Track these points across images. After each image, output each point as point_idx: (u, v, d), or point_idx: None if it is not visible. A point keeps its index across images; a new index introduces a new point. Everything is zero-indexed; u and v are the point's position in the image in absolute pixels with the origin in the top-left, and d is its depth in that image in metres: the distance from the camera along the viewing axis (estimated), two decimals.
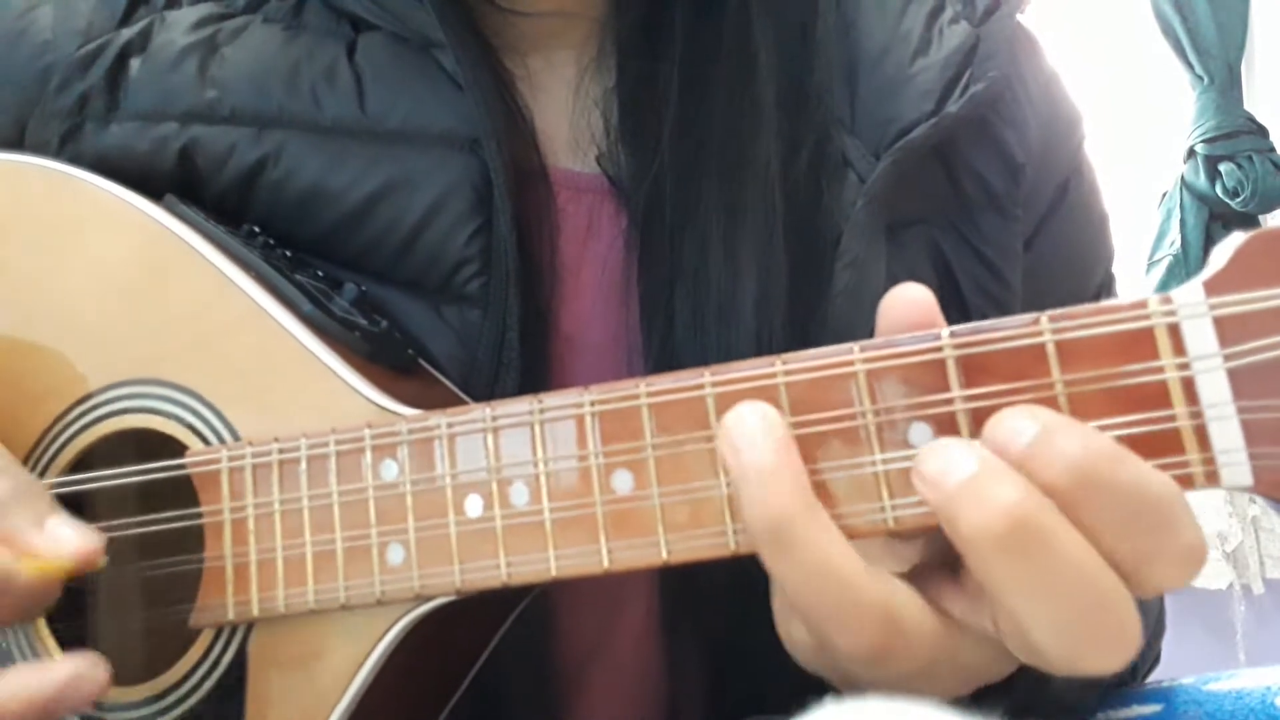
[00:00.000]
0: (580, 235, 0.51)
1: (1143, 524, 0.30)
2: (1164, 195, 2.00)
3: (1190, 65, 1.94)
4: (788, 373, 0.34)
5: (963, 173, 0.51)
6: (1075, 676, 0.31)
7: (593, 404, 0.36)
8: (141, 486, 0.42)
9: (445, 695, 0.43)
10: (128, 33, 0.51)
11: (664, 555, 0.34)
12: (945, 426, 0.32)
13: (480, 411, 0.37)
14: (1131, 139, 2.02)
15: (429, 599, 0.38)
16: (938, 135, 0.49)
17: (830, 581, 0.31)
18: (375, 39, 0.50)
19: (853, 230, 0.48)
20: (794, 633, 0.36)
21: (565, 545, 0.35)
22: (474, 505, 0.37)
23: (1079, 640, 0.30)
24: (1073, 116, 0.56)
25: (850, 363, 0.33)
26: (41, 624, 0.43)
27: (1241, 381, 0.30)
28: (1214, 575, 1.85)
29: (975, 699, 0.36)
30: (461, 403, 0.45)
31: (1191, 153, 1.94)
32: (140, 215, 0.45)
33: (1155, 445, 0.31)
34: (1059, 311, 0.32)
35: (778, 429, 0.32)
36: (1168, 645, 0.59)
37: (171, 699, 0.41)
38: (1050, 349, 0.31)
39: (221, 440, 0.41)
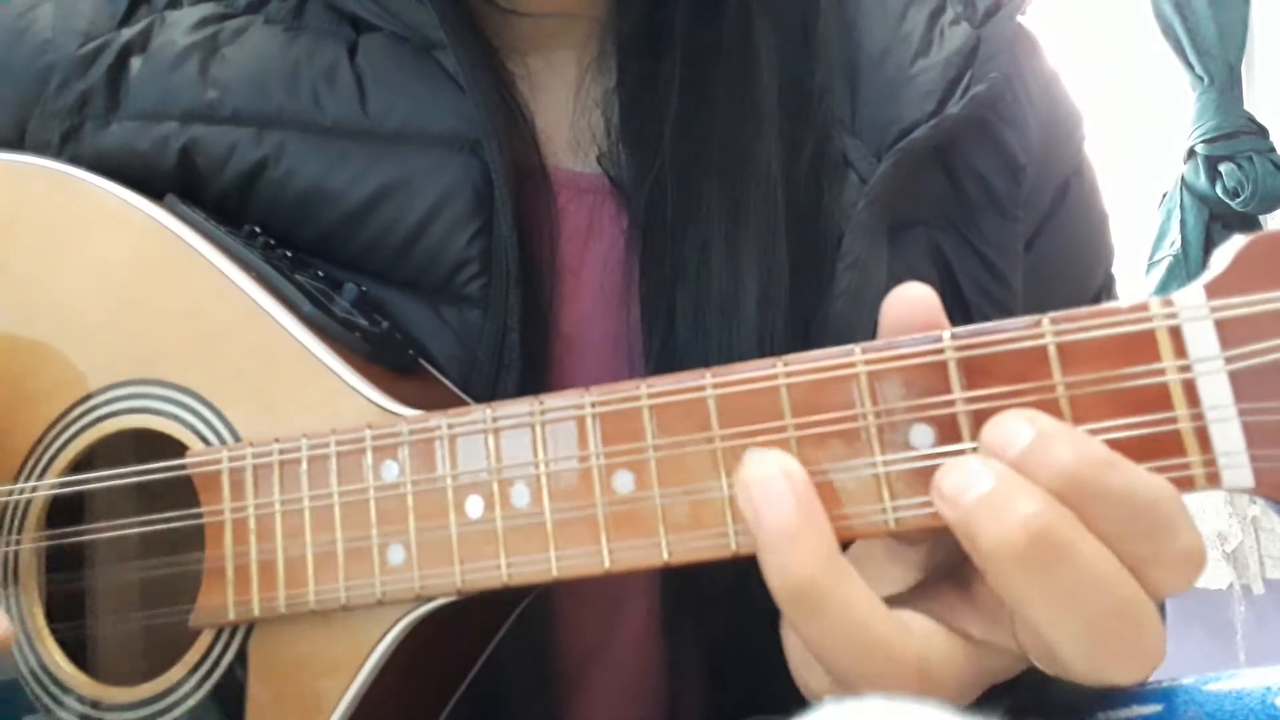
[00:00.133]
0: (581, 235, 0.51)
1: (1139, 529, 0.29)
2: (1164, 195, 2.00)
3: (1190, 65, 1.94)
4: (789, 374, 0.34)
5: (964, 173, 0.51)
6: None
7: (593, 405, 0.36)
8: (142, 487, 0.42)
9: (445, 695, 0.43)
10: (128, 32, 0.51)
11: (665, 556, 0.34)
12: (946, 428, 0.32)
13: (481, 412, 0.37)
14: (1131, 139, 2.01)
15: (430, 599, 0.38)
16: (939, 136, 0.49)
17: (864, 642, 0.31)
18: (376, 40, 0.50)
19: (854, 231, 0.48)
20: (812, 682, 0.35)
21: (566, 546, 0.35)
22: (475, 506, 0.37)
23: (1105, 651, 0.30)
24: (1073, 117, 0.56)
25: (851, 364, 0.33)
26: (42, 625, 0.43)
27: (1243, 384, 0.30)
28: (1214, 575, 1.85)
29: (976, 698, 0.36)
30: (462, 403, 0.45)
31: (1191, 153, 1.94)
32: (141, 215, 0.45)
33: (1156, 447, 0.31)
34: (1060, 314, 0.32)
35: (800, 484, 0.32)
36: (1168, 645, 0.59)
37: (171, 699, 0.41)
38: (1052, 351, 0.31)
39: (222, 441, 0.41)
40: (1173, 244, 1.94)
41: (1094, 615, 0.29)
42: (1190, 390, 0.30)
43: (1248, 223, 1.88)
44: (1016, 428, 0.30)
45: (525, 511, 0.36)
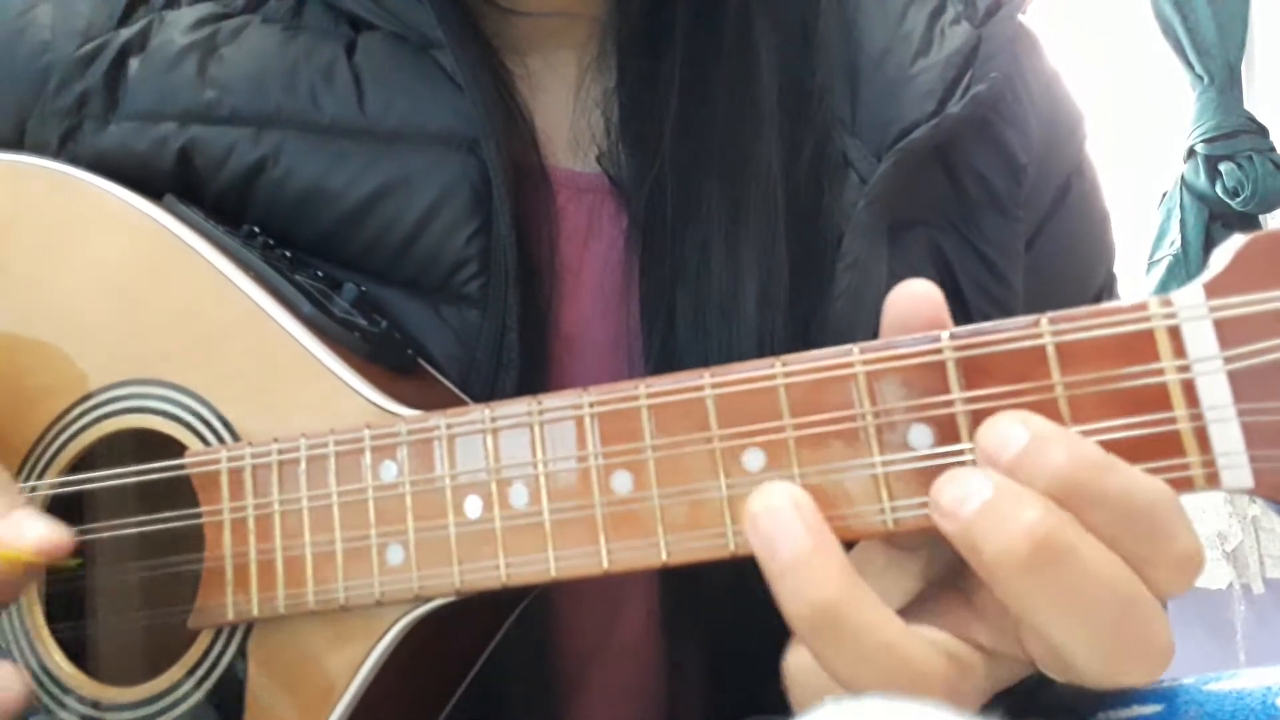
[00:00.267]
0: (581, 235, 0.51)
1: (1137, 531, 0.29)
2: (1164, 195, 2.00)
3: (1190, 65, 1.94)
4: (787, 374, 0.34)
5: (964, 173, 0.51)
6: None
7: (592, 405, 0.36)
8: (141, 486, 0.42)
9: (445, 696, 0.43)
10: (127, 32, 0.51)
11: (663, 556, 0.34)
12: (945, 428, 0.32)
13: (479, 412, 0.37)
14: (1131, 139, 2.01)
15: (428, 600, 0.37)
16: (939, 136, 0.49)
17: (889, 662, 0.30)
18: (374, 39, 0.50)
19: (854, 231, 0.48)
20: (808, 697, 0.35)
21: (565, 546, 0.35)
22: (473, 506, 0.37)
23: (1117, 652, 0.30)
24: (1074, 116, 0.56)
25: (850, 364, 0.33)
26: (42, 625, 0.43)
27: (1242, 384, 0.30)
28: (1214, 575, 1.85)
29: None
30: (461, 403, 0.45)
31: (1191, 153, 1.94)
32: (140, 215, 0.45)
33: (1155, 447, 0.31)
34: (1059, 313, 0.31)
35: (808, 511, 0.31)
36: None
37: (171, 699, 0.41)
38: (1050, 351, 0.31)
39: (221, 441, 0.41)
40: (1173, 243, 1.94)
41: (1102, 617, 0.29)
42: (1189, 390, 0.30)
43: (1247, 222, 1.88)
44: (1011, 430, 0.30)
45: (524, 512, 0.36)
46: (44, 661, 0.43)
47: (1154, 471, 0.30)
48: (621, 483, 0.35)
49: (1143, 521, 0.29)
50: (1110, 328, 0.31)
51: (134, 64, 0.50)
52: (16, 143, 0.51)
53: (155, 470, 0.42)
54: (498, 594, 0.37)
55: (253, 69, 0.49)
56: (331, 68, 0.49)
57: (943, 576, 0.35)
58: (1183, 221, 1.93)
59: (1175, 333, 0.31)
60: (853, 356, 0.33)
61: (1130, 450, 0.30)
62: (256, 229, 0.47)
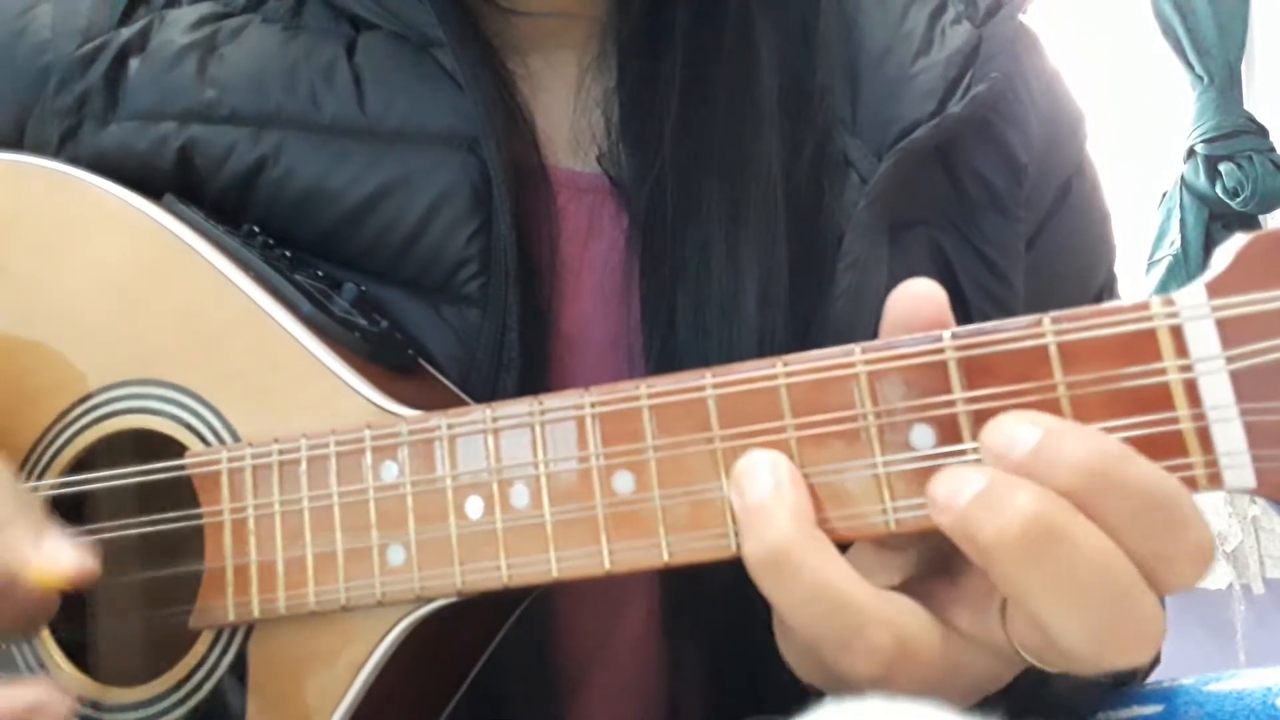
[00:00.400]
0: (581, 235, 0.51)
1: (1154, 522, 0.30)
2: (1164, 195, 2.00)
3: (1190, 65, 1.94)
4: (789, 374, 0.33)
5: (965, 173, 0.51)
6: (1083, 675, 0.31)
7: (593, 405, 0.35)
8: (141, 487, 0.42)
9: (446, 696, 0.43)
10: (127, 32, 0.51)
11: (665, 557, 0.34)
12: (947, 428, 0.32)
13: (481, 413, 0.37)
14: (1131, 139, 2.01)
15: (430, 600, 0.37)
16: (940, 135, 0.49)
17: (834, 607, 0.31)
18: (375, 38, 0.50)
19: (854, 231, 0.48)
20: (793, 656, 0.36)
21: (566, 547, 0.35)
22: (474, 506, 0.36)
23: (1107, 636, 0.30)
24: (1075, 116, 0.56)
25: (852, 364, 0.33)
26: (44, 629, 0.43)
27: (1244, 383, 0.30)
28: (1214, 575, 1.86)
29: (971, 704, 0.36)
30: (462, 403, 0.45)
31: (1191, 153, 1.95)
32: (139, 215, 0.45)
33: (1158, 447, 0.31)
34: (1061, 313, 0.31)
35: (782, 468, 0.33)
36: (1168, 645, 0.58)
37: (172, 700, 0.41)
38: (1053, 350, 0.31)
39: (221, 441, 0.41)
40: (1172, 243, 1.95)
41: (1094, 600, 0.29)
42: (1192, 390, 0.30)
43: (1247, 222, 1.89)
44: (1019, 431, 0.30)
45: (525, 512, 0.36)
46: (44, 662, 0.43)
47: None
48: (623, 483, 0.35)
49: (1160, 512, 0.30)
50: (1112, 327, 0.31)
51: (134, 63, 0.50)
52: (16, 142, 0.50)
53: (155, 471, 0.42)
54: (499, 594, 0.37)
55: (253, 68, 0.49)
56: (332, 67, 0.49)
57: (928, 566, 0.35)
58: (1183, 221, 1.93)
59: (1177, 332, 0.30)
60: (854, 356, 0.33)
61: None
62: (256, 229, 0.47)
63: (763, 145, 0.49)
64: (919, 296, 0.34)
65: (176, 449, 0.42)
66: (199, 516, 0.40)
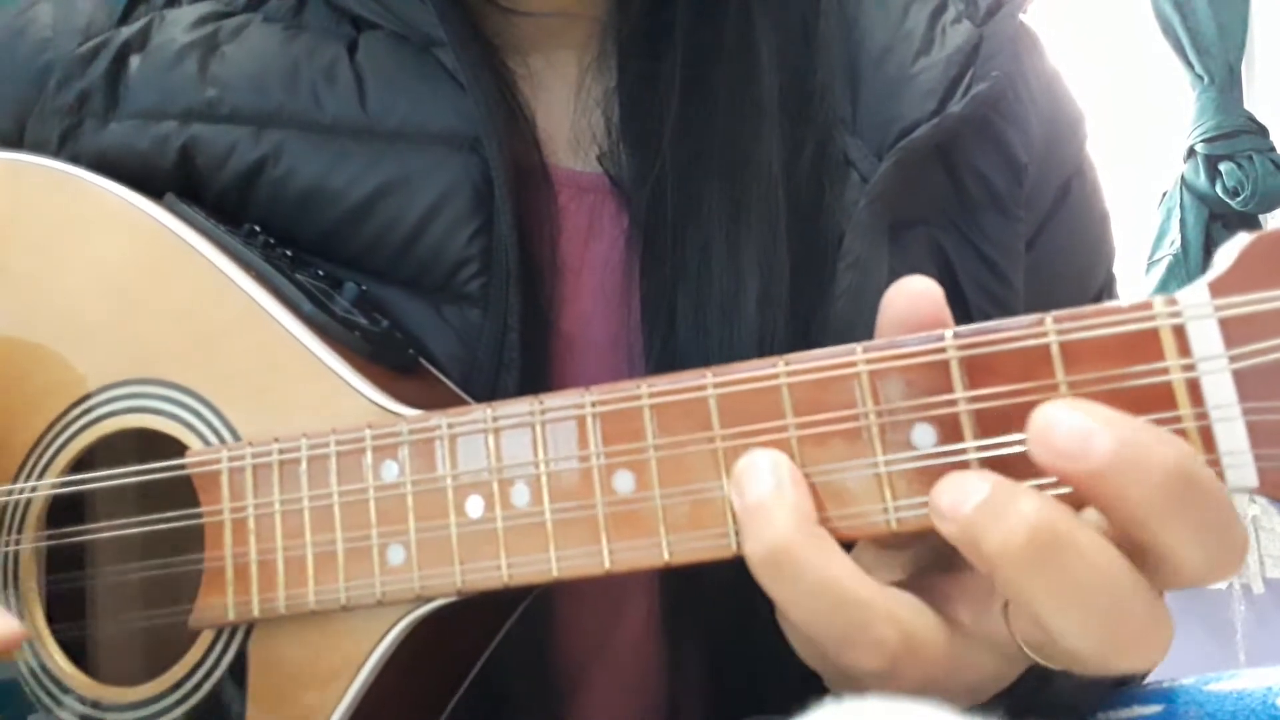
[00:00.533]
0: (582, 235, 0.51)
1: (1182, 503, 0.29)
2: (1164, 195, 2.00)
3: (1190, 65, 1.94)
4: (790, 373, 0.33)
5: (965, 172, 0.51)
6: (1087, 675, 0.31)
7: (594, 404, 0.35)
8: (141, 486, 0.42)
9: (446, 695, 0.43)
10: (127, 31, 0.51)
11: (665, 556, 0.34)
12: (949, 428, 0.32)
13: (481, 412, 0.37)
14: (1131, 139, 2.01)
15: (430, 600, 0.37)
16: (940, 135, 0.49)
17: (837, 603, 0.31)
18: (376, 38, 0.50)
19: (855, 230, 0.48)
20: (798, 646, 0.36)
21: (566, 546, 0.35)
22: (475, 506, 0.36)
23: (1113, 640, 0.30)
24: (1075, 116, 0.56)
25: (853, 363, 0.33)
26: (42, 625, 0.43)
27: (1247, 383, 0.30)
28: None
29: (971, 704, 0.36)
30: (462, 403, 0.45)
31: (1191, 152, 1.94)
32: (140, 215, 0.45)
33: None
34: (1063, 312, 0.31)
35: (783, 467, 0.33)
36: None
37: (172, 699, 0.41)
38: (1055, 350, 0.31)
39: (222, 440, 0.41)
40: (1173, 243, 1.95)
41: (1100, 605, 0.29)
42: (1194, 389, 0.30)
43: (1248, 222, 1.88)
44: (1094, 438, 0.29)
45: (525, 511, 0.36)
46: (43, 661, 0.43)
47: None
48: (623, 482, 0.35)
49: (1191, 492, 0.29)
50: (1115, 327, 0.31)
51: (135, 62, 0.50)
52: (16, 141, 0.50)
53: (156, 470, 0.42)
54: (499, 594, 0.36)
55: (254, 68, 0.49)
56: (333, 67, 0.49)
57: (930, 564, 0.35)
58: (1183, 221, 1.93)
59: (1180, 331, 0.30)
60: (856, 356, 0.33)
61: None
62: (257, 228, 0.47)
63: (763, 145, 0.49)
64: (916, 294, 0.34)
65: (177, 448, 0.42)
66: (199, 516, 0.40)
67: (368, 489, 0.38)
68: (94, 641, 0.45)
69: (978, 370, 0.32)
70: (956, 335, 0.32)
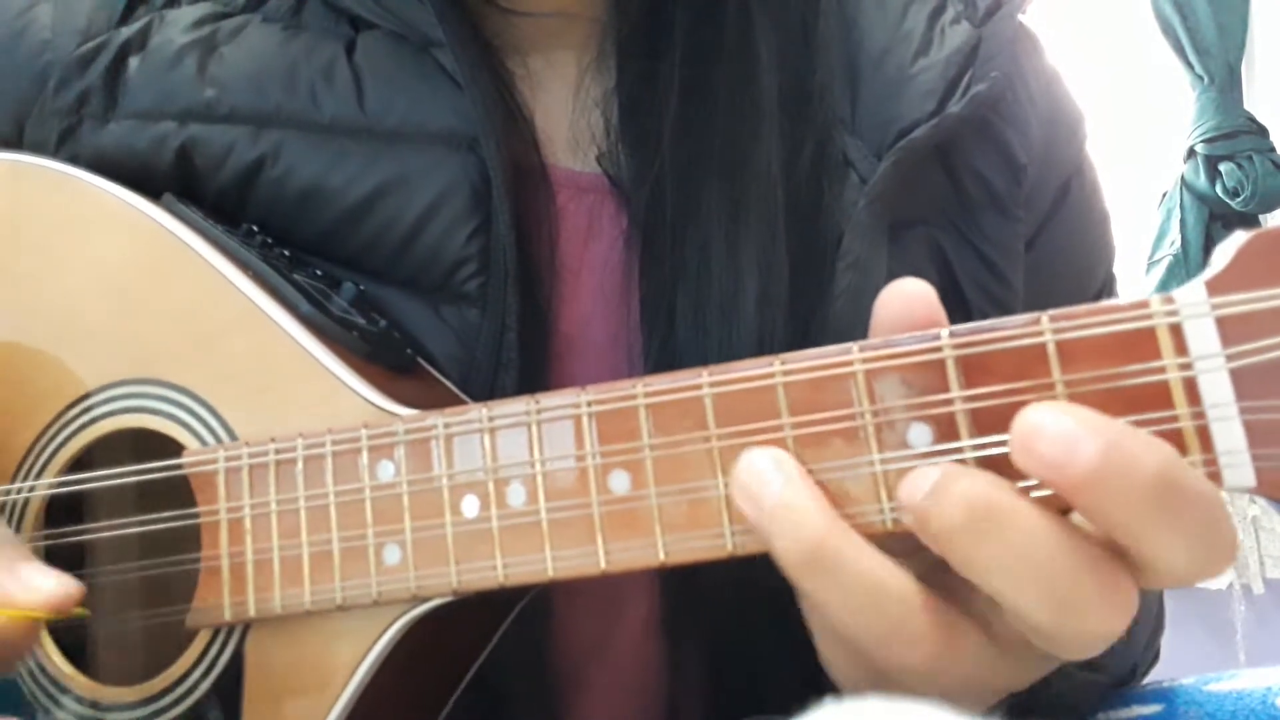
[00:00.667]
0: (581, 235, 0.51)
1: (1167, 510, 0.29)
2: (1164, 195, 2.00)
3: (1190, 65, 1.94)
4: (786, 373, 0.33)
5: (964, 173, 0.51)
6: (1074, 660, 0.31)
7: (590, 404, 0.35)
8: (139, 486, 0.42)
9: (444, 696, 0.43)
10: (127, 31, 0.51)
11: (661, 556, 0.34)
12: (945, 427, 0.32)
13: (477, 412, 0.37)
14: (1131, 139, 2.01)
15: (426, 600, 0.37)
16: (939, 135, 0.49)
17: (877, 597, 0.31)
18: (375, 38, 0.50)
19: (854, 230, 0.47)
20: (835, 657, 0.36)
21: (562, 546, 0.35)
22: (470, 506, 0.36)
23: (1067, 607, 0.30)
24: (1074, 116, 0.56)
25: (849, 363, 0.33)
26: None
27: (1244, 382, 0.30)
28: None
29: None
30: (460, 402, 0.44)
31: (1191, 153, 1.94)
32: (138, 215, 0.45)
33: None
34: (1060, 311, 0.31)
35: (788, 464, 0.32)
36: (1168, 645, 0.59)
37: (168, 699, 0.41)
38: (1051, 349, 0.31)
39: (219, 440, 0.41)
40: (1173, 243, 1.94)
41: (1045, 574, 0.29)
42: (1191, 388, 0.30)
43: (1247, 222, 1.88)
44: (1081, 443, 0.28)
45: (521, 511, 0.36)
46: (42, 661, 0.43)
47: None
48: (619, 482, 0.35)
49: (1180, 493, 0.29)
50: (1111, 325, 0.31)
51: (134, 63, 0.50)
52: (16, 142, 0.50)
53: (153, 470, 0.42)
54: (496, 594, 0.36)
55: (252, 68, 0.49)
56: (331, 67, 0.49)
57: (936, 571, 0.35)
58: (1183, 221, 1.93)
59: (1177, 330, 0.30)
60: (852, 355, 0.33)
61: None
62: (255, 228, 0.47)
63: (762, 145, 0.49)
64: (910, 296, 0.34)
65: (174, 448, 0.42)
66: (195, 516, 0.40)
67: (364, 489, 0.38)
68: (91, 641, 0.45)
69: (974, 369, 0.32)
70: (952, 334, 0.32)
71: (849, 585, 0.31)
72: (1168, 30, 1.94)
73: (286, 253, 0.46)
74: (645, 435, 0.35)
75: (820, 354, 0.33)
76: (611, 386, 0.35)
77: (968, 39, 0.51)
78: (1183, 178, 1.95)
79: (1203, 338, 0.30)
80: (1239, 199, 1.88)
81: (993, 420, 0.31)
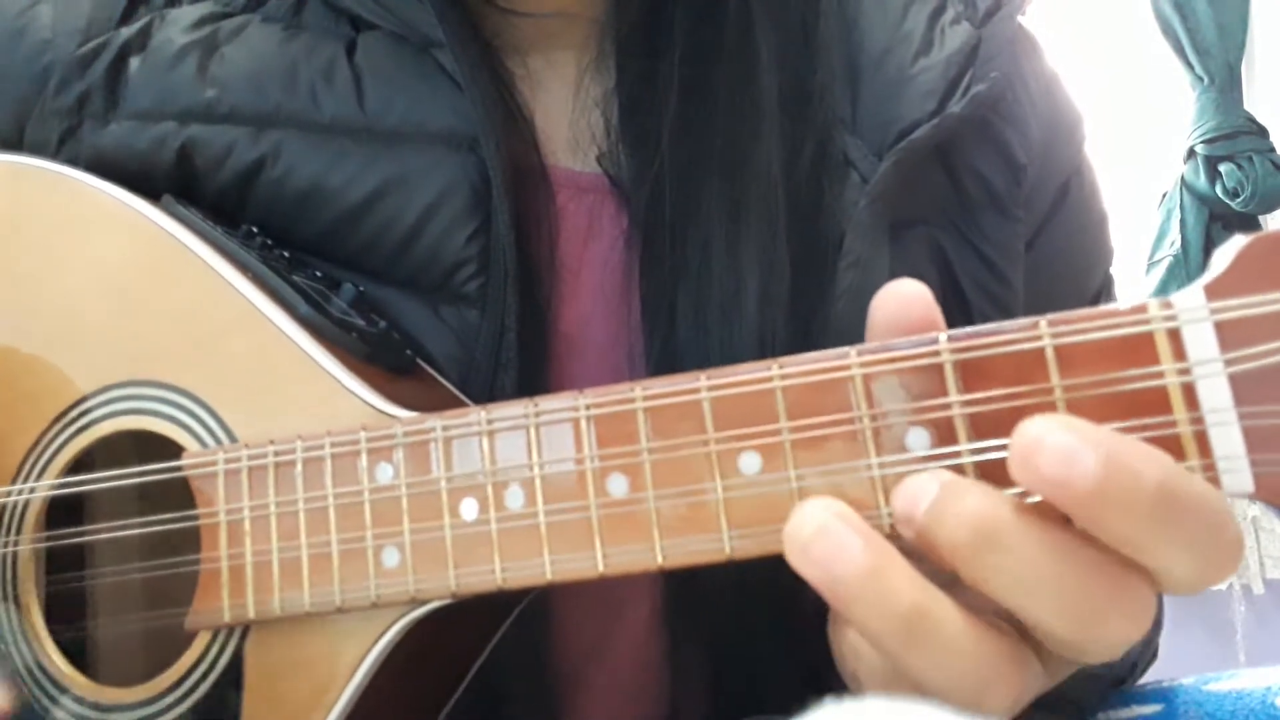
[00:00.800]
0: (581, 235, 0.51)
1: (1168, 522, 0.29)
2: (1164, 195, 2.00)
3: (1190, 65, 1.94)
4: (784, 376, 0.33)
5: (964, 173, 0.51)
6: (1107, 660, 0.31)
7: (588, 407, 0.35)
8: (139, 488, 0.42)
9: (443, 698, 0.43)
10: (127, 31, 0.51)
11: (659, 560, 0.34)
12: (943, 431, 0.32)
13: (476, 414, 0.37)
14: (1131, 139, 2.01)
15: (424, 602, 0.37)
16: (939, 135, 0.49)
17: (975, 656, 0.30)
18: (375, 38, 0.50)
19: (855, 230, 0.48)
20: (868, 681, 0.34)
21: (560, 549, 0.35)
22: (469, 508, 0.36)
23: (1084, 617, 0.29)
24: (1074, 117, 0.56)
25: (847, 366, 0.33)
26: (40, 626, 0.43)
27: (1243, 387, 0.30)
28: None
29: None
30: (460, 404, 0.45)
31: (1191, 153, 1.94)
32: (138, 216, 0.45)
33: None
34: (1058, 316, 0.31)
35: (856, 521, 0.31)
36: (1167, 645, 0.59)
37: (168, 701, 0.41)
38: (1049, 353, 0.31)
39: (218, 442, 0.41)
40: (1173, 244, 1.94)
41: (1058, 585, 0.29)
42: (1189, 393, 0.30)
43: (1248, 223, 1.88)
44: (1080, 456, 0.28)
45: (519, 514, 0.36)
46: (42, 662, 0.43)
47: None
48: (617, 485, 0.35)
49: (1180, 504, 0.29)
50: (1110, 330, 0.31)
51: (134, 63, 0.50)
52: (16, 142, 0.50)
53: (152, 472, 0.42)
54: (494, 597, 0.36)
55: (253, 68, 0.49)
56: (331, 67, 0.49)
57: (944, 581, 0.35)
58: (1183, 222, 1.93)
59: (1175, 335, 0.30)
60: (850, 359, 0.33)
61: None
62: (255, 229, 0.47)
63: (763, 145, 0.49)
64: (906, 297, 0.33)
65: (174, 450, 0.42)
66: (195, 517, 0.40)
67: (363, 491, 0.38)
68: (92, 642, 0.45)
69: (972, 373, 0.32)
70: (950, 338, 0.32)
71: (946, 647, 0.30)
72: (1167, 30, 1.94)
73: (286, 254, 0.46)
74: (643, 438, 0.35)
75: (818, 357, 0.33)
76: (610, 390, 0.35)
77: (968, 39, 0.51)
78: (1183, 178, 1.95)
79: (1201, 343, 0.30)
80: (1239, 199, 1.88)
81: (991, 425, 0.31)
